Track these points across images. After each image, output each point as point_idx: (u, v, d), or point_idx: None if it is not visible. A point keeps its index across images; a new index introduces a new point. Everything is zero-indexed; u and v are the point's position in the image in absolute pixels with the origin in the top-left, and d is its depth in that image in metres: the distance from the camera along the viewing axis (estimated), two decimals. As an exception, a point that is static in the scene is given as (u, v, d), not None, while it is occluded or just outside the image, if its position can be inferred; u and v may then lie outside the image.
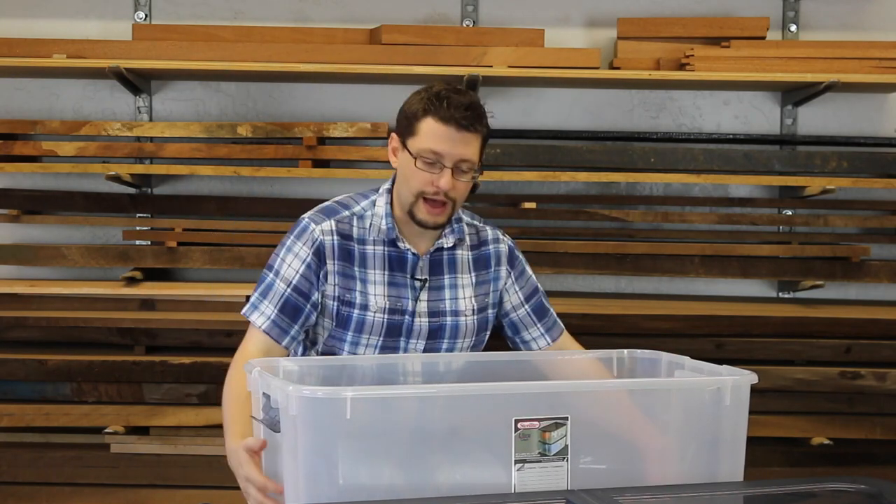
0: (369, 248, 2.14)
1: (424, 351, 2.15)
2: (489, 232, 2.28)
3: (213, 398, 3.09)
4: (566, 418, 1.65)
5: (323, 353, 2.19)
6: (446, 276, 2.18)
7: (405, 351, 2.14)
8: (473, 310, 2.19)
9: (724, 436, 1.79)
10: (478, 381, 1.99)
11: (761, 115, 3.49)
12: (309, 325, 2.15)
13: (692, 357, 2.03)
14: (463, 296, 2.19)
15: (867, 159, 3.30)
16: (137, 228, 3.35)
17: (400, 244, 2.14)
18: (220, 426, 3.09)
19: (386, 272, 2.13)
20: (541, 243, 3.23)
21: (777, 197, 3.47)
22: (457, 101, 2.02)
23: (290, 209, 3.10)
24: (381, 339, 2.14)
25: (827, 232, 3.40)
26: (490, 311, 2.25)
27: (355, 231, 2.15)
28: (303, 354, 2.23)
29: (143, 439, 3.10)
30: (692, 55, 3.21)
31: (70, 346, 3.16)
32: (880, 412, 3.16)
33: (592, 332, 2.94)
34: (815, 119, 3.48)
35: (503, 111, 3.46)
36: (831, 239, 3.38)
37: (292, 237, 2.15)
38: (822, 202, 3.37)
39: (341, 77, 3.25)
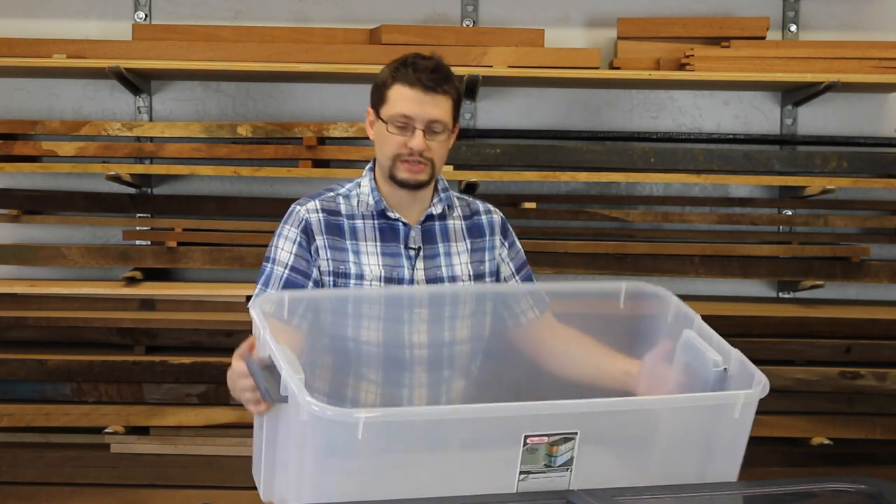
0: (359, 223, 2.17)
1: (428, 319, 2.15)
2: (480, 204, 2.31)
3: (213, 398, 3.09)
4: (575, 433, 1.65)
5: None
6: (440, 245, 2.20)
7: (410, 320, 2.14)
8: (470, 276, 2.21)
9: (724, 443, 1.78)
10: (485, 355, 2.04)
11: (761, 115, 3.49)
12: None
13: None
14: (459, 262, 2.21)
15: (867, 159, 3.30)
16: (137, 228, 3.35)
17: (390, 214, 2.17)
18: (220, 426, 3.13)
19: (378, 243, 2.16)
20: (541, 243, 3.23)
21: (777, 197, 3.47)
22: (422, 66, 2.09)
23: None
24: (384, 308, 2.15)
25: (827, 232, 3.40)
26: (487, 279, 2.25)
27: (343, 208, 2.18)
28: None
29: (143, 439, 3.10)
30: (692, 55, 3.21)
31: (70, 346, 3.16)
32: (880, 412, 3.16)
33: (592, 332, 2.94)
34: (815, 119, 3.48)
35: (503, 111, 3.47)
36: (831, 239, 3.38)
37: (282, 224, 2.19)
38: (822, 202, 3.37)
39: (341, 77, 3.25)
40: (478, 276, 2.23)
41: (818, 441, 3.14)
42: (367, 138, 2.27)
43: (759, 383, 1.75)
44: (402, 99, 2.08)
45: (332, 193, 2.21)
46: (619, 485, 1.71)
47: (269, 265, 2.15)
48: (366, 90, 2.93)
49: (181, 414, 3.09)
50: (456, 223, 2.24)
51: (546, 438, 1.63)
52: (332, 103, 3.43)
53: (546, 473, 1.65)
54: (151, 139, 3.33)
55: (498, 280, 2.28)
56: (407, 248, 2.17)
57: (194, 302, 3.20)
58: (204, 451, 3.10)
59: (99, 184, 3.34)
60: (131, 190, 3.36)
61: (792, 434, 3.16)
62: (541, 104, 3.48)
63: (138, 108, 3.40)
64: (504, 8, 3.44)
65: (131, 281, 3.22)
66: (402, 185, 2.12)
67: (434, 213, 2.20)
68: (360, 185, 2.20)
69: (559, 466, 1.66)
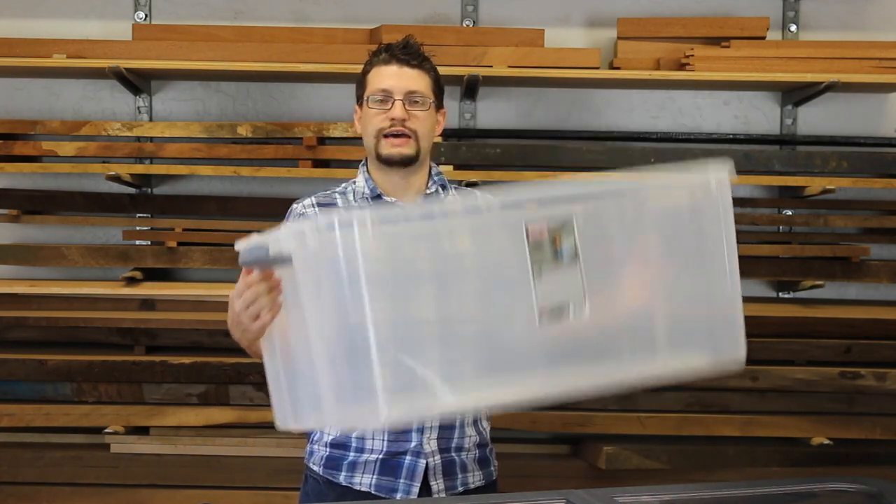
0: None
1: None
2: (477, 192, 2.30)
3: (213, 398, 3.09)
4: (571, 218, 1.67)
5: None
6: None
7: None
8: None
9: (709, 220, 1.87)
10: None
11: (761, 115, 3.49)
12: None
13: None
14: None
15: (867, 159, 3.30)
16: (137, 228, 3.35)
17: (385, 198, 2.18)
18: (220, 426, 3.13)
19: None
20: (541, 243, 3.23)
21: (777, 197, 3.47)
22: (395, 45, 2.17)
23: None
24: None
25: (827, 232, 3.40)
26: None
27: (340, 201, 2.20)
28: None
29: (143, 439, 3.11)
30: (692, 55, 3.21)
31: (70, 346, 3.16)
32: (880, 412, 3.16)
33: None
34: (815, 119, 3.48)
35: (503, 111, 3.47)
36: (831, 239, 3.38)
37: (282, 224, 2.20)
38: (822, 202, 3.37)
39: (341, 77, 3.25)
40: None
41: (818, 441, 3.14)
42: (367, 138, 2.28)
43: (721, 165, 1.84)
44: (379, 76, 2.15)
45: (328, 191, 2.24)
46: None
47: None
48: (366, 90, 2.88)
49: (181, 414, 3.09)
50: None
51: (545, 225, 1.65)
52: (332, 103, 3.43)
53: (557, 268, 1.66)
54: (151, 139, 3.33)
55: None
56: None
57: (194, 302, 3.20)
58: (204, 451, 3.10)
59: (99, 184, 3.34)
60: (131, 190, 3.36)
61: (792, 434, 3.16)
62: (541, 104, 3.48)
63: (138, 108, 3.40)
64: (504, 8, 3.44)
65: (131, 281, 3.22)
66: (388, 161, 2.14)
67: (429, 192, 2.21)
68: (355, 182, 2.23)
69: (567, 260, 1.67)
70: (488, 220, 1.69)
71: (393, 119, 2.11)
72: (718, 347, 1.78)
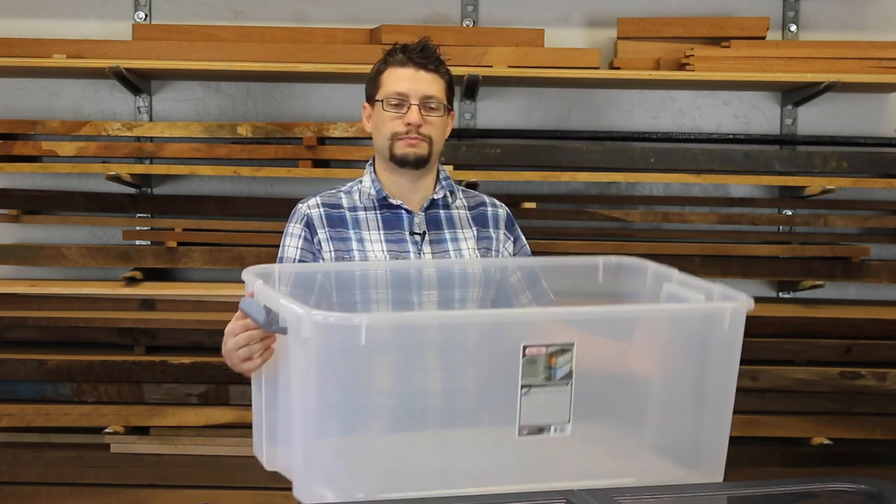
0: (361, 213, 2.19)
1: (438, 302, 2.16)
2: (486, 198, 2.32)
3: (213, 398, 3.09)
4: (572, 344, 1.67)
5: None
6: (446, 231, 2.21)
7: (420, 304, 2.15)
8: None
9: (717, 359, 1.79)
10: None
11: (761, 115, 3.49)
12: None
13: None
14: (466, 247, 2.21)
15: (867, 159, 3.30)
16: (137, 228, 3.35)
17: (392, 201, 2.18)
18: (220, 426, 3.13)
19: (382, 231, 2.17)
20: (541, 243, 3.23)
21: (777, 197, 3.47)
22: (411, 47, 2.15)
23: (290, 209, 3.07)
24: (391, 291, 2.15)
25: (827, 232, 3.40)
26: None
27: (345, 201, 2.20)
28: None
29: (143, 439, 3.11)
30: (692, 55, 3.21)
31: (70, 346, 3.16)
32: (880, 412, 3.17)
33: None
34: (815, 119, 3.48)
35: (503, 111, 3.47)
36: (831, 239, 3.38)
37: (287, 224, 2.22)
38: (822, 202, 3.37)
39: (341, 77, 3.25)
40: None
41: (818, 441, 3.15)
42: (368, 138, 2.28)
43: (744, 298, 1.78)
44: (396, 78, 2.13)
45: (333, 190, 2.24)
46: (616, 409, 1.74)
47: (279, 263, 2.18)
48: (365, 90, 2.89)
49: (181, 414, 3.09)
50: (461, 212, 2.25)
51: (544, 349, 1.65)
52: (332, 103, 3.43)
53: (547, 387, 1.66)
54: (151, 139, 3.33)
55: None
56: (412, 234, 2.17)
57: (194, 302, 3.20)
58: (204, 451, 3.10)
59: (99, 184, 3.34)
60: (131, 190, 3.36)
61: (792, 434, 3.16)
62: (541, 104, 3.48)
63: (138, 108, 3.40)
64: (504, 8, 3.44)
65: (131, 281, 3.22)
66: (402, 161, 2.13)
67: (436, 197, 2.21)
68: (361, 181, 2.23)
69: (559, 380, 1.67)
70: (483, 334, 1.71)
71: (409, 124, 2.11)
72: (698, 467, 1.78)
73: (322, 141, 3.22)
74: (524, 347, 1.65)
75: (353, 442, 1.66)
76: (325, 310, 2.02)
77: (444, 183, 2.23)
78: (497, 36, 3.26)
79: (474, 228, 2.23)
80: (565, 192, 3.46)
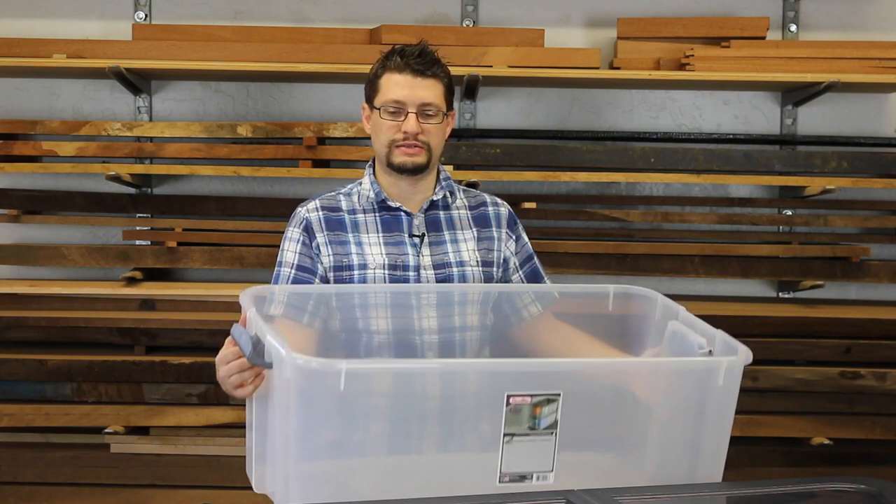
0: (360, 216, 2.19)
1: (437, 305, 2.16)
2: (487, 197, 2.32)
3: (213, 398, 3.09)
4: (558, 395, 1.66)
5: None
6: (446, 232, 2.21)
7: (418, 307, 2.15)
8: (478, 261, 2.22)
9: (712, 413, 1.77)
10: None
11: (761, 115, 3.49)
12: None
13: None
14: (466, 248, 2.21)
15: (867, 159, 3.30)
16: (137, 228, 3.35)
17: (390, 203, 2.18)
18: (220, 426, 3.13)
19: (381, 234, 2.18)
20: (541, 243, 3.22)
21: (777, 197, 3.47)
22: (409, 52, 2.13)
23: (290, 209, 3.06)
24: (390, 312, 2.16)
25: (827, 232, 3.40)
26: (494, 268, 2.26)
27: (344, 204, 2.20)
28: None
29: (143, 439, 3.11)
30: (692, 55, 3.21)
31: (70, 346, 3.16)
32: (880, 412, 3.17)
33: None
34: (815, 119, 3.48)
35: (503, 111, 3.47)
36: (831, 239, 3.38)
37: (286, 228, 2.23)
38: (822, 202, 3.38)
39: (341, 77, 3.25)
40: (486, 264, 2.23)
41: (818, 441, 3.15)
42: (368, 138, 2.28)
43: (742, 352, 1.75)
44: (393, 85, 2.12)
45: (333, 193, 2.24)
46: (606, 461, 1.73)
47: (278, 268, 2.19)
48: (365, 90, 2.89)
49: (181, 414, 3.09)
50: (461, 212, 2.25)
51: (529, 399, 1.64)
52: (332, 103, 3.43)
53: (530, 437, 1.66)
54: (151, 139, 3.33)
55: (506, 272, 2.29)
56: (411, 236, 2.17)
57: (194, 302, 3.20)
58: (204, 451, 3.10)
59: (99, 184, 3.34)
60: (131, 190, 3.36)
61: (792, 434, 3.16)
62: (541, 104, 3.48)
63: (138, 108, 3.40)
64: (504, 8, 3.44)
65: (131, 281, 3.22)
66: (401, 169, 2.14)
67: (436, 198, 2.21)
68: (360, 183, 2.23)
69: (543, 430, 1.66)
70: (467, 383, 1.71)
71: (406, 133, 2.11)
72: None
73: (322, 141, 3.22)
74: (508, 397, 1.64)
75: (332, 476, 1.67)
76: (321, 330, 2.04)
77: (444, 183, 2.23)
78: (497, 36, 3.26)
79: (475, 229, 2.23)
80: (565, 192, 3.46)
